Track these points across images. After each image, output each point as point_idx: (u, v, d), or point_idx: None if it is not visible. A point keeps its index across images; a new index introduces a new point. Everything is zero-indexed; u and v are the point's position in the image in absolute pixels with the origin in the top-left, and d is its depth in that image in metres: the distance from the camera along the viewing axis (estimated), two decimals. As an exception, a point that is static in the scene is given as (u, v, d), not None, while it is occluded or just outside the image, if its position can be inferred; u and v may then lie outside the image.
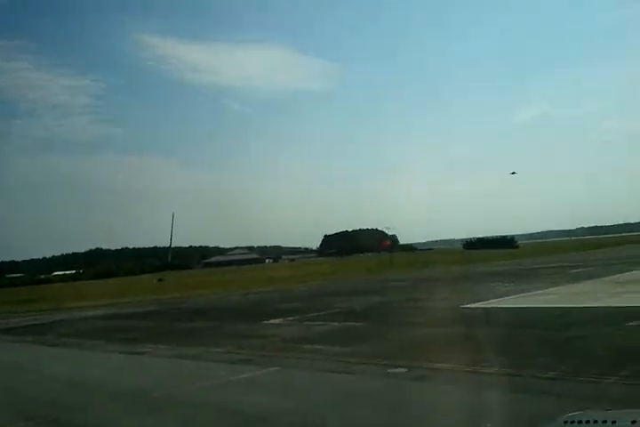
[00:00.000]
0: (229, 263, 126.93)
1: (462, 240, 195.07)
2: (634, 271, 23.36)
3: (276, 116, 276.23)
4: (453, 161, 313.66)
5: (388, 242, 60.24)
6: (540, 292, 18.41)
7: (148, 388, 8.51)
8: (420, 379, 7.84)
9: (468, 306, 16.05)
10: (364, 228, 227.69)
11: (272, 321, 16.28)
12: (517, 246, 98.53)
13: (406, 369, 8.41)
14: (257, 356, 10.67)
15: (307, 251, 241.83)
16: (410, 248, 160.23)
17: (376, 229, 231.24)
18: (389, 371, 8.43)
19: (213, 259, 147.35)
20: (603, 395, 6.16)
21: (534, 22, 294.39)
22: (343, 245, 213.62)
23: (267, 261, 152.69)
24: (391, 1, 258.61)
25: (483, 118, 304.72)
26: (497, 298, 17.36)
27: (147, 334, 15.93)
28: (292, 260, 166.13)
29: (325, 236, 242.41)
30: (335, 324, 14.65)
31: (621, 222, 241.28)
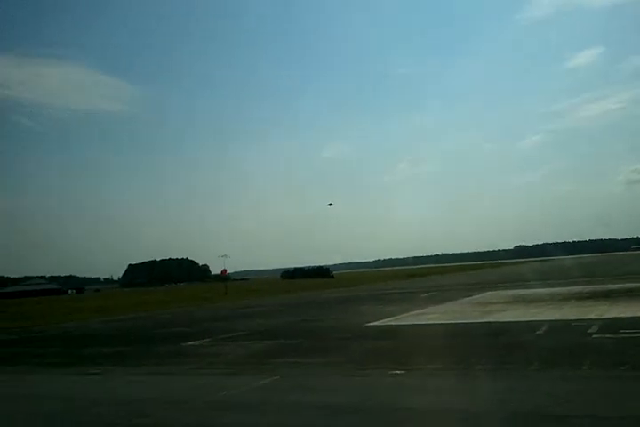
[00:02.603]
0: (27, 294, 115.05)
1: (271, 271, 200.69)
2: (474, 296, 27.20)
3: (70, 136, 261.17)
4: (264, 192, 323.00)
5: (225, 271, 60.20)
6: (418, 312, 20.77)
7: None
8: (418, 377, 9.21)
9: (373, 324, 17.72)
10: (173, 257, 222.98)
11: (191, 343, 16.30)
12: (333, 276, 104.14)
13: (404, 371, 9.67)
14: (248, 368, 11.13)
15: (107, 281, 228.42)
16: (224, 278, 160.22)
17: (186, 259, 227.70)
18: (390, 372, 9.62)
19: (9, 289, 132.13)
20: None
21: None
22: (150, 274, 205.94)
23: (69, 291, 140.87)
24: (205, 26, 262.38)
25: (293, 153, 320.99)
26: (390, 317, 19.26)
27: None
28: (98, 290, 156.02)
29: (130, 265, 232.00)
30: (269, 342, 15.25)
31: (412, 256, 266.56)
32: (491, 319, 16.38)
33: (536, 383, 8.08)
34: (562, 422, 6.09)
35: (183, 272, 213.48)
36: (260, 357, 12.76)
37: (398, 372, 9.61)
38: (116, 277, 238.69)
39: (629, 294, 20.90)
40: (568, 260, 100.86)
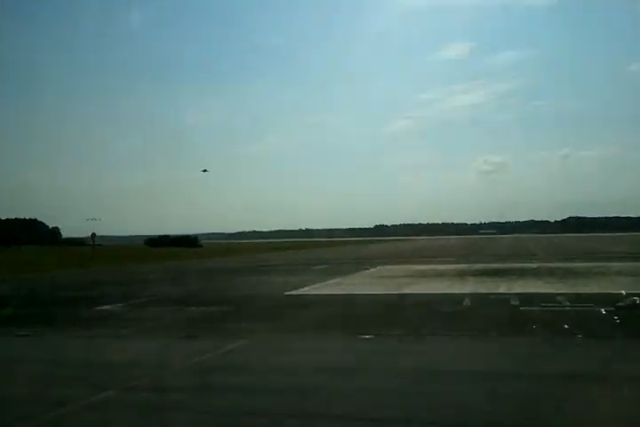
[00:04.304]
0: None
1: (132, 237, 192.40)
2: (371, 269, 28.36)
3: None
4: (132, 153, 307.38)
5: (94, 235, 56.40)
6: (327, 282, 21.26)
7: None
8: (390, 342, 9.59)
9: (292, 293, 17.83)
10: (18, 217, 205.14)
11: (106, 307, 15.35)
12: (201, 246, 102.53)
13: (372, 336, 9.96)
14: (200, 333, 10.75)
15: None
16: (79, 242, 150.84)
17: (35, 220, 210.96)
18: (359, 337, 9.87)
19: None
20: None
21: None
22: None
23: None
24: None
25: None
26: (305, 287, 19.45)
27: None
28: None
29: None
30: (194, 308, 14.78)
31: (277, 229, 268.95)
32: (408, 291, 17.25)
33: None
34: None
35: (30, 234, 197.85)
36: (202, 322, 12.43)
37: (367, 337, 9.87)
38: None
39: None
40: (437, 240, 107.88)
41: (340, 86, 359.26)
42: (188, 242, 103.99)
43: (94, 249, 56.33)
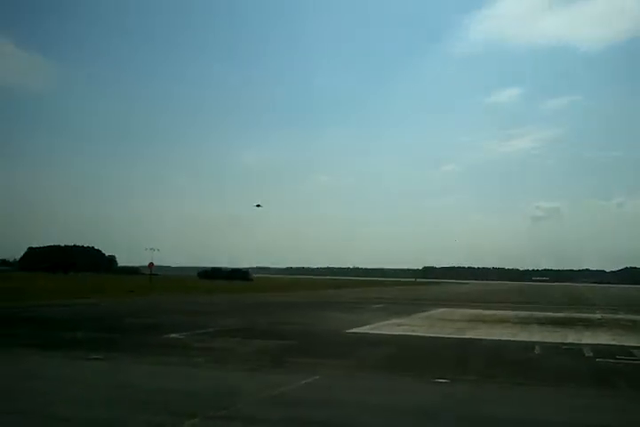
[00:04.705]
0: None
1: (179, 268, 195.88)
2: (430, 311, 27.97)
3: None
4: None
5: (152, 264, 57.77)
6: (388, 322, 21.07)
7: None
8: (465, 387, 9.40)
9: (353, 331, 17.76)
10: (78, 244, 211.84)
11: (173, 335, 15.65)
12: (252, 279, 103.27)
13: (447, 380, 9.81)
14: (270, 366, 10.84)
15: (4, 263, 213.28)
16: (134, 271, 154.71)
17: (92, 248, 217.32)
18: (434, 380, 9.73)
19: None
20: None
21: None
22: (54, 260, 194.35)
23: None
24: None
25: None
26: (365, 326, 19.32)
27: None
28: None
29: (30, 248, 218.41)
30: (260, 341, 14.88)
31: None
32: (467, 336, 16.91)
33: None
34: None
35: (88, 261, 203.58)
36: (271, 355, 12.51)
37: (442, 380, 9.73)
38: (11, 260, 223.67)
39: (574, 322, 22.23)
40: (490, 285, 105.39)
41: (393, 129, 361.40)
42: (239, 275, 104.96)
43: (151, 278, 57.63)
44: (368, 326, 19.10)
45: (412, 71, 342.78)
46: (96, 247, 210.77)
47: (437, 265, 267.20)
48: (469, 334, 17.17)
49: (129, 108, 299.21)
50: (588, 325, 21.42)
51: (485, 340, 16.00)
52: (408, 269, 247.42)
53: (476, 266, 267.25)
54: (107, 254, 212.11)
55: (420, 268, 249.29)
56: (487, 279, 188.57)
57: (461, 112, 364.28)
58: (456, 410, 7.77)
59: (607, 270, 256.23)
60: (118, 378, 9.79)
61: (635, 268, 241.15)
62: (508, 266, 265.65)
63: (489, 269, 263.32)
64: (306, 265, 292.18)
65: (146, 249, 70.24)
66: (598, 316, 26.57)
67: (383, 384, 9.51)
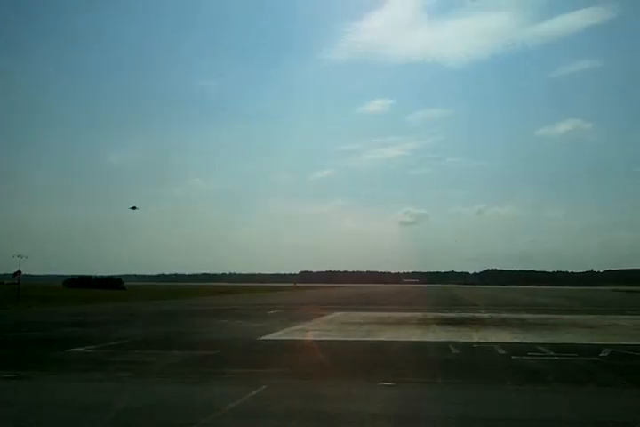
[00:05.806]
0: None
1: (48, 276, 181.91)
2: (329, 315, 28.25)
3: None
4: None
5: (20, 272, 52.77)
6: (295, 328, 20.97)
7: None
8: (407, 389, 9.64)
9: (265, 338, 17.47)
10: None
11: (78, 349, 14.47)
12: (125, 288, 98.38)
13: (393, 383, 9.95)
14: (208, 378, 10.33)
15: None
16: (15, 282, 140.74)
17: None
18: (380, 384, 9.82)
19: None
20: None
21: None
22: None
23: None
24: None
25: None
26: (273, 333, 18.99)
27: None
28: None
29: None
30: (178, 352, 14.15)
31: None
32: (382, 338, 17.32)
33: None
34: None
35: None
36: (201, 366, 11.97)
37: (388, 384, 9.82)
38: None
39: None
40: (367, 288, 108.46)
41: (265, 134, 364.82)
42: (112, 283, 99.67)
43: (19, 289, 52.74)
44: (277, 333, 18.84)
45: (287, 77, 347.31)
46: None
47: (314, 269, 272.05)
48: (383, 337, 17.57)
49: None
50: (483, 324, 22.75)
51: (402, 341, 16.43)
52: (285, 274, 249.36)
53: (350, 270, 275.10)
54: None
55: (297, 272, 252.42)
56: (362, 283, 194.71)
57: (335, 120, 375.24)
58: (424, 412, 7.91)
59: (470, 272, 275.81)
60: (58, 397, 8.99)
61: (495, 269, 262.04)
62: (380, 269, 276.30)
63: (363, 272, 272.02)
64: (179, 271, 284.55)
65: (13, 256, 63.62)
66: (486, 315, 28.32)
67: (336, 391, 9.38)
